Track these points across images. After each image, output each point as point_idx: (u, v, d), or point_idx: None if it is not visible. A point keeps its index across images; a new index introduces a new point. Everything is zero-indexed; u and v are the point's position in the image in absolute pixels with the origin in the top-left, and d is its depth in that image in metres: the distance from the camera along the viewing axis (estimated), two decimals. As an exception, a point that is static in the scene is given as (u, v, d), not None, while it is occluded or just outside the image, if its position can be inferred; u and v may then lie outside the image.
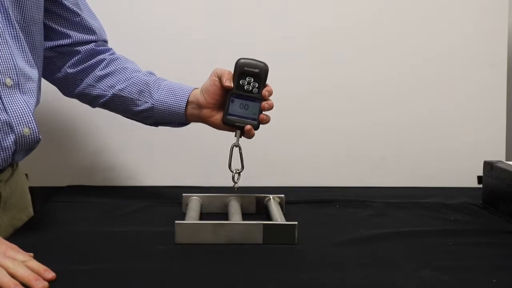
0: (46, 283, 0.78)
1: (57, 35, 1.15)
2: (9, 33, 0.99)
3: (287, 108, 1.39)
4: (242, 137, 1.08)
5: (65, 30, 1.15)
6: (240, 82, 1.07)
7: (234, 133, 1.08)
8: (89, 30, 1.17)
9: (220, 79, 1.08)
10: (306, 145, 1.45)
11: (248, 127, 1.06)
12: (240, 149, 1.07)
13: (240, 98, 1.07)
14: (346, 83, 1.45)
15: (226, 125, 1.09)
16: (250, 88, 1.07)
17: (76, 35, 1.16)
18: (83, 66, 1.17)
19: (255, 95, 1.07)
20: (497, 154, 1.44)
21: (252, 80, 1.07)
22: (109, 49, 1.21)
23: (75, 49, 1.16)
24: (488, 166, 1.23)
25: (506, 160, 1.39)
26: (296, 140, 1.45)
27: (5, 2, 0.98)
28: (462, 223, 1.10)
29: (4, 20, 0.98)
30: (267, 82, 1.08)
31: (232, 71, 1.08)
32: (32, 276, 0.78)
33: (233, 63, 1.07)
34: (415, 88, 1.46)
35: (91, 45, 1.17)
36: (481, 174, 1.28)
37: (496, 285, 0.81)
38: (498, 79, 1.47)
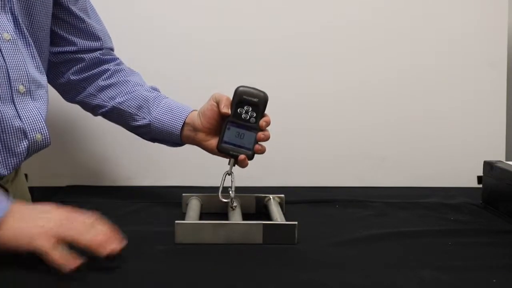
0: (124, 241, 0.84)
1: (62, 42, 1.15)
2: (21, 40, 0.99)
3: (287, 108, 1.40)
4: (236, 165, 1.06)
5: (70, 37, 1.15)
6: (238, 110, 1.04)
7: (228, 157, 1.06)
8: (95, 37, 1.16)
9: (218, 104, 1.06)
10: (306, 145, 1.45)
11: (242, 157, 1.04)
12: (232, 177, 1.05)
13: (237, 127, 1.04)
14: (346, 83, 1.45)
15: (220, 152, 1.06)
16: (248, 117, 1.04)
17: (82, 42, 1.15)
18: (86, 74, 1.17)
19: (252, 124, 1.04)
20: (497, 154, 1.45)
21: (251, 109, 1.04)
22: (115, 59, 1.20)
23: (79, 56, 1.16)
24: (488, 166, 1.23)
25: (506, 160, 1.39)
26: (296, 140, 1.45)
27: (15, 10, 0.98)
28: (462, 223, 1.10)
29: (15, 28, 0.98)
30: (266, 112, 1.05)
31: (231, 96, 1.05)
32: (109, 238, 0.83)
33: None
34: (415, 88, 1.46)
35: (97, 54, 1.17)
36: (481, 174, 1.28)
37: (496, 285, 0.81)
38: (498, 79, 1.47)
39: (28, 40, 1.01)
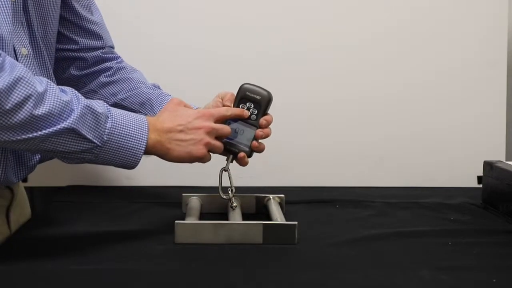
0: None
1: (64, 40, 1.14)
2: (36, 53, 1.00)
3: (286, 108, 1.39)
4: (234, 162, 1.04)
5: (73, 36, 1.14)
6: (240, 106, 1.03)
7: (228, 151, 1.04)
8: (97, 36, 1.16)
9: (222, 100, 1.07)
10: (306, 145, 1.45)
11: (241, 154, 1.02)
12: (229, 172, 1.04)
13: (237, 123, 1.03)
14: (346, 82, 1.45)
15: None
16: (249, 114, 1.04)
17: (83, 41, 1.15)
18: (88, 70, 1.17)
19: (253, 121, 1.03)
20: (497, 154, 1.44)
21: (252, 106, 1.03)
22: (117, 57, 1.20)
23: (81, 55, 1.16)
24: (488, 166, 1.23)
25: (506, 160, 1.39)
26: (296, 140, 1.44)
27: (32, 20, 0.98)
28: (462, 223, 1.10)
29: (31, 40, 0.98)
30: (269, 112, 1.05)
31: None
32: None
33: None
34: (415, 88, 1.46)
35: (98, 52, 1.17)
36: (481, 174, 1.28)
37: (496, 285, 0.81)
38: (498, 79, 1.47)
39: (42, 51, 1.01)
